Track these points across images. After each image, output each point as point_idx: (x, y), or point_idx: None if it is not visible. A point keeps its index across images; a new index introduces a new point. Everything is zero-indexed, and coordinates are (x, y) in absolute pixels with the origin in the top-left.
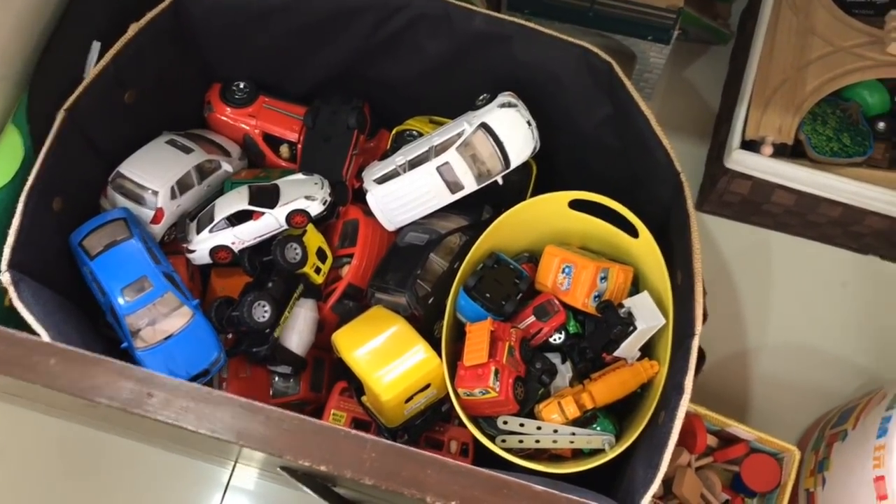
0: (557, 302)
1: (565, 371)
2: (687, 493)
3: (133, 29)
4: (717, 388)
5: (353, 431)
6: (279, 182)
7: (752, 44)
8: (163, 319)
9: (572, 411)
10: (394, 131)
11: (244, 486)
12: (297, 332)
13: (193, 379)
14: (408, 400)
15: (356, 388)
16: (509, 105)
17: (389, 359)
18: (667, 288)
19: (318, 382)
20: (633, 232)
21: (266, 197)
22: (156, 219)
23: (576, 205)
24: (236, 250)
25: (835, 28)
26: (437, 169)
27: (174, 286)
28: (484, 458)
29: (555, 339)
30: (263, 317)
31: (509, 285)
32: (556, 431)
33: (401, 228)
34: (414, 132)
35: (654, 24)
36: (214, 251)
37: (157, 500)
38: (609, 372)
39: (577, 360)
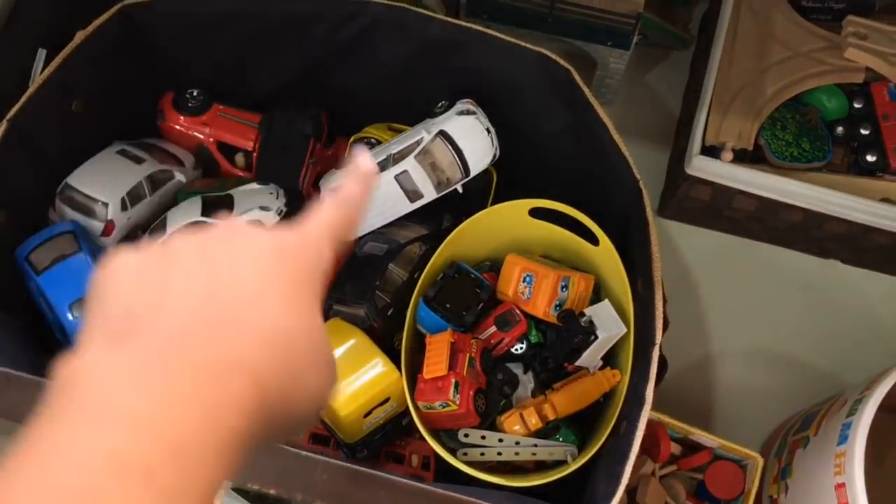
0: (519, 311)
1: (527, 381)
2: (651, 502)
3: (79, 36)
4: (681, 395)
5: (304, 453)
6: (233, 192)
7: (711, 49)
8: None
9: (534, 422)
10: (352, 139)
11: None
12: None
13: None
14: (367, 414)
15: None
16: (468, 112)
17: (347, 372)
18: (628, 296)
19: None
20: (594, 240)
21: (220, 207)
22: (106, 231)
23: (536, 213)
24: None
25: (793, 33)
26: (396, 178)
27: None
28: (446, 471)
29: (516, 350)
30: None
31: (470, 295)
32: (518, 443)
33: (359, 238)
34: (372, 140)
35: (614, 30)
36: None
37: None
38: (571, 382)
39: (539, 370)
